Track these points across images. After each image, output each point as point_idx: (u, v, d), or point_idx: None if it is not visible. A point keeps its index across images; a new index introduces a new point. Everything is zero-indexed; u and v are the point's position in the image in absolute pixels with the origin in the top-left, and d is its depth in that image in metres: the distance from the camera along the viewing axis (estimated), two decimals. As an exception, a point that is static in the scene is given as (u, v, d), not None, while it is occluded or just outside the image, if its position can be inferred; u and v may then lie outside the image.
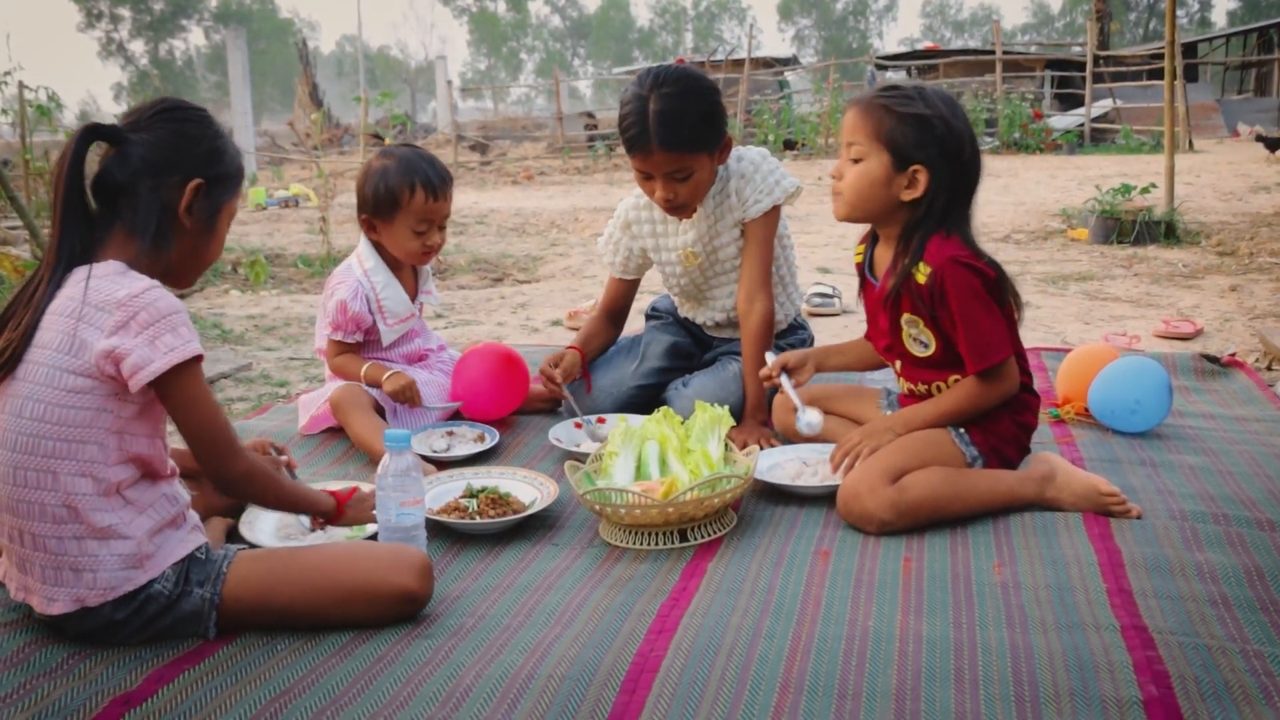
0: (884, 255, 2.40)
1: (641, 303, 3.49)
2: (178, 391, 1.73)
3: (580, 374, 3.03)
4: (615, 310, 3.19)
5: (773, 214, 2.84)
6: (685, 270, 2.98)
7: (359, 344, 3.00)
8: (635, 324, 3.39)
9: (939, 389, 2.37)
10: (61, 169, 1.73)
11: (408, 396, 2.89)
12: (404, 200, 2.84)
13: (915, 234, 2.28)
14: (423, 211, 2.86)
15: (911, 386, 2.44)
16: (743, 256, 2.88)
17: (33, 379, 1.70)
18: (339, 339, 2.95)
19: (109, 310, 1.68)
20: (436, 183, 2.86)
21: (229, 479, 1.83)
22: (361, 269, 2.95)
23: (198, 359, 1.74)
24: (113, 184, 1.77)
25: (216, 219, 1.86)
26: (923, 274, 2.25)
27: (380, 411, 2.89)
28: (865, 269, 2.47)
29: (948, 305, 2.24)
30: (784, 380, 2.57)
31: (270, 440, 2.30)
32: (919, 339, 2.34)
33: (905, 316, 2.34)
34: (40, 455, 1.69)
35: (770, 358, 2.62)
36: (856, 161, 2.30)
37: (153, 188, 1.77)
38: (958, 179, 2.26)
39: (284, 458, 2.26)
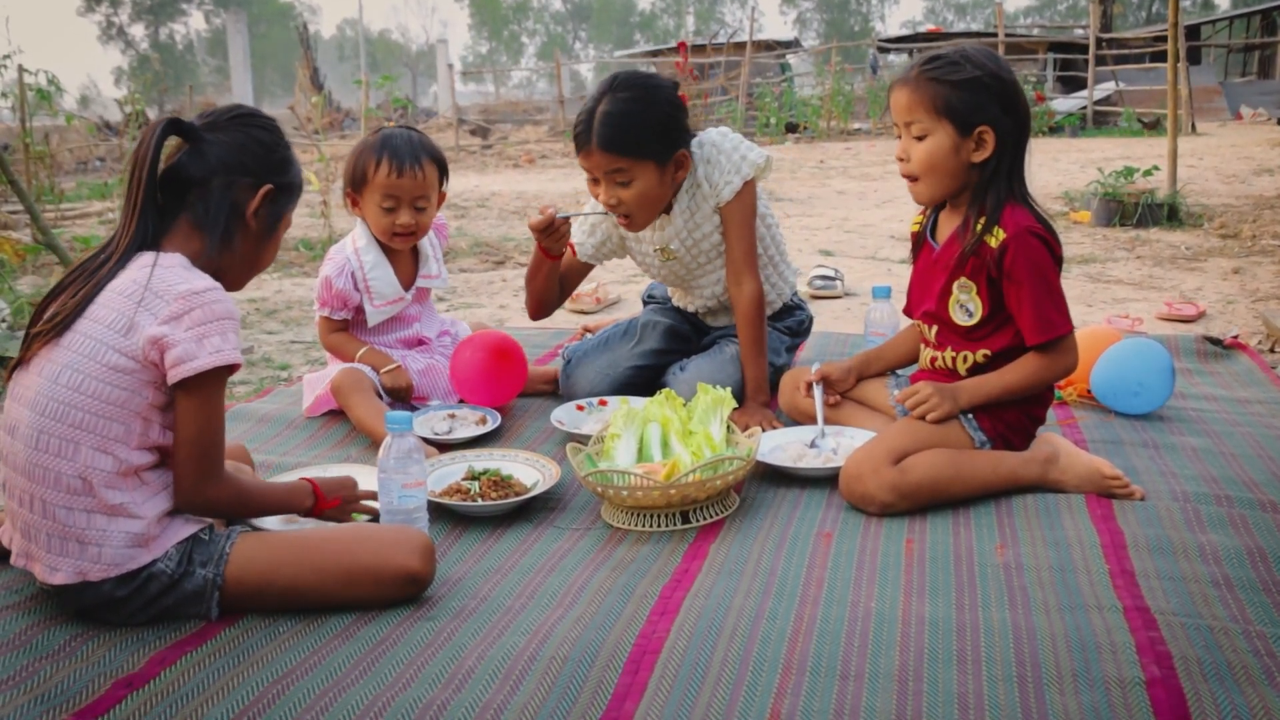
0: (950, 220, 2.39)
1: (640, 286, 3.48)
2: (199, 395, 1.73)
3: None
4: (564, 281, 3.05)
5: (746, 192, 2.77)
6: (664, 264, 2.96)
7: (349, 322, 3.00)
8: (634, 308, 3.38)
9: (963, 359, 2.36)
10: (142, 158, 1.77)
11: (402, 397, 2.91)
12: (370, 173, 2.85)
13: (987, 195, 2.27)
14: (386, 186, 2.83)
15: (936, 354, 2.43)
16: (725, 240, 2.83)
17: (77, 349, 1.72)
18: (327, 315, 2.97)
19: (167, 300, 1.72)
20: (404, 158, 2.82)
21: (202, 498, 1.79)
22: (353, 246, 2.95)
23: (232, 369, 1.76)
24: (186, 178, 1.82)
25: (278, 226, 1.93)
26: (996, 239, 2.24)
27: (382, 395, 2.88)
28: (926, 233, 2.46)
29: (1015, 275, 2.23)
30: (816, 394, 2.58)
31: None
32: (966, 306, 2.33)
33: (960, 280, 2.32)
34: (67, 424, 1.71)
35: (814, 368, 2.64)
36: (920, 139, 2.28)
37: (225, 185, 1.83)
38: (1018, 130, 2.27)
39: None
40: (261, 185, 1.85)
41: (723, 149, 2.77)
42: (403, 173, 2.82)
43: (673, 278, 3.02)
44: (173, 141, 1.84)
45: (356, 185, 2.90)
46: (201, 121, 1.86)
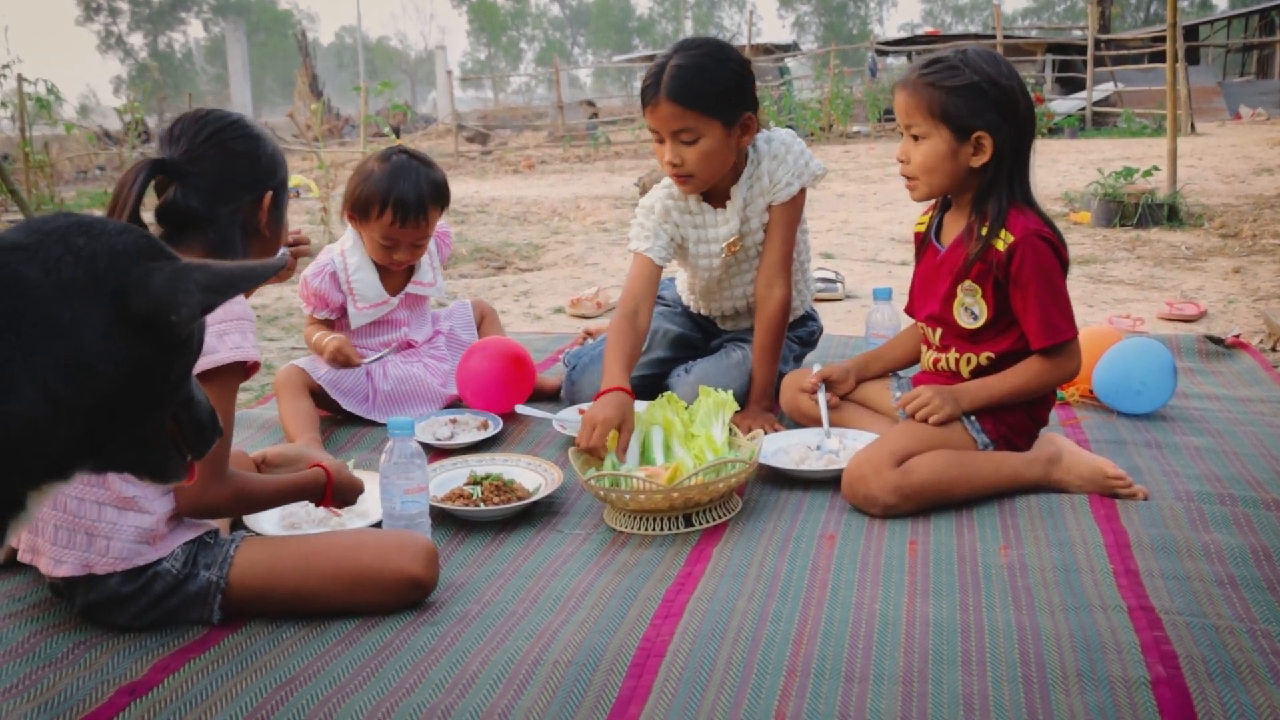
0: (955, 222, 2.39)
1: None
2: (214, 390, 1.70)
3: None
4: (640, 301, 2.73)
5: (799, 198, 2.78)
6: (724, 261, 2.89)
7: (332, 321, 3.03)
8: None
9: (967, 361, 2.36)
10: (123, 202, 1.68)
11: (342, 359, 2.88)
12: (372, 214, 2.86)
13: (990, 199, 2.27)
14: (388, 231, 2.86)
15: (939, 356, 2.42)
16: (765, 241, 2.80)
17: None
18: (310, 312, 3.03)
19: None
20: (410, 209, 2.82)
21: (206, 501, 1.77)
22: (340, 249, 2.98)
23: (251, 369, 1.78)
24: (188, 213, 1.80)
25: (283, 217, 1.96)
26: (1003, 243, 2.24)
27: (322, 396, 2.90)
28: (931, 235, 2.46)
29: (1022, 279, 2.23)
30: (821, 396, 2.58)
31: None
32: (971, 309, 2.33)
33: (965, 284, 2.32)
34: None
35: (815, 369, 2.64)
36: (918, 140, 2.29)
37: (232, 213, 1.83)
38: (1019, 135, 2.26)
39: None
40: (262, 196, 1.87)
41: (792, 150, 2.78)
42: (405, 223, 2.85)
43: (722, 276, 2.95)
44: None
45: (358, 214, 2.90)
46: (179, 152, 1.80)
